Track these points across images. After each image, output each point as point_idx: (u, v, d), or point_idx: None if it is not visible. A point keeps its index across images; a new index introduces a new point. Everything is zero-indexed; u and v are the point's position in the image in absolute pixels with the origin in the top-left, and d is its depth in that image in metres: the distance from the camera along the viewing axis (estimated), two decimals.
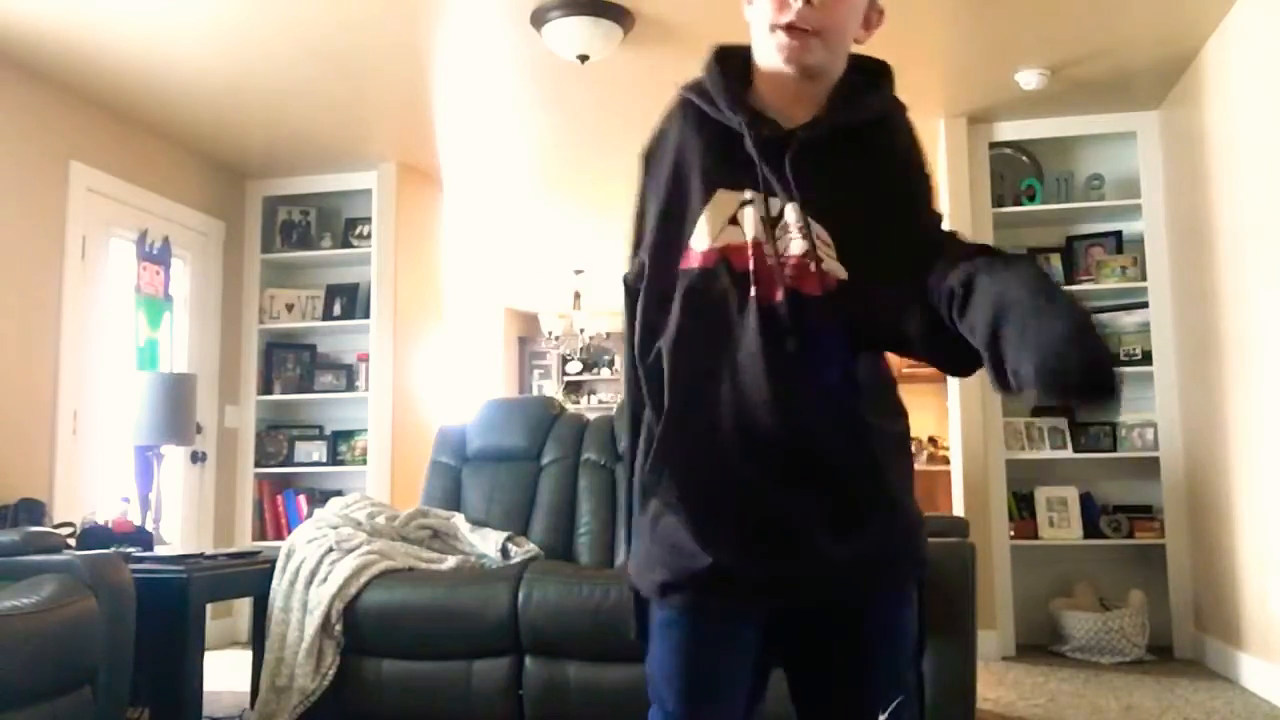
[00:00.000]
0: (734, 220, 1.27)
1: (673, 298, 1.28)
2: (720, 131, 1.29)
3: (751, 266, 1.25)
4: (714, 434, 1.26)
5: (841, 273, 1.25)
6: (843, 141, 1.28)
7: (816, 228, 1.25)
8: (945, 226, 1.37)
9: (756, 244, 1.26)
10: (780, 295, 1.24)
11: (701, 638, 1.29)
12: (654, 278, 1.31)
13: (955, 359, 1.24)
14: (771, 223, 1.26)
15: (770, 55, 1.28)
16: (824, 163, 1.27)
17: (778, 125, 1.28)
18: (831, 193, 1.26)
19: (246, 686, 3.58)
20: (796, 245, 1.25)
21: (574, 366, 10.65)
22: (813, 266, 1.24)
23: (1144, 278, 4.86)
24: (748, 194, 1.27)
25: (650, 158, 1.37)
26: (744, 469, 1.26)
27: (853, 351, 1.28)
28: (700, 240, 1.27)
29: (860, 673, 1.33)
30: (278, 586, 3.42)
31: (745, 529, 1.27)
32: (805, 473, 1.26)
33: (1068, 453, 4.90)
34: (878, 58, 1.36)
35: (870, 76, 1.35)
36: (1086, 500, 4.86)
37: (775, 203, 1.27)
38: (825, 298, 1.24)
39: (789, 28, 1.23)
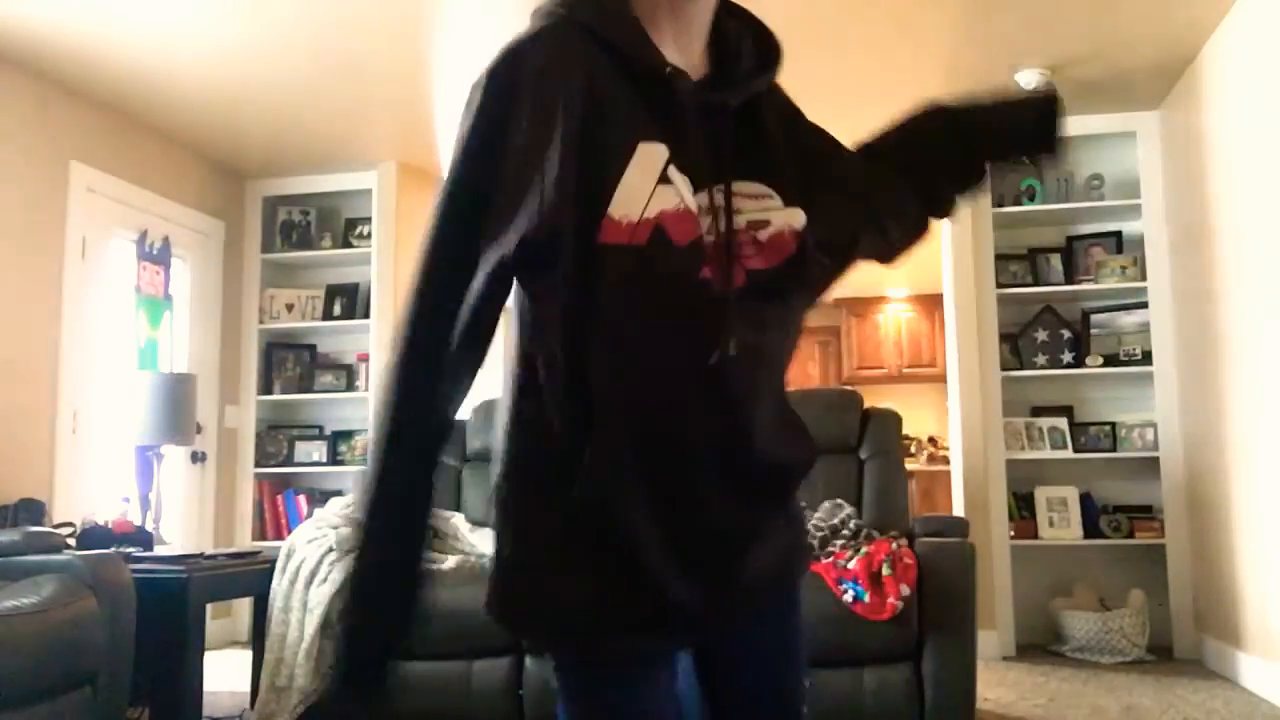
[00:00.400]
0: (664, 179, 1.01)
1: (589, 280, 1.00)
2: (630, 68, 1.04)
3: (700, 238, 1.02)
4: (676, 445, 1.04)
5: (799, 221, 1.10)
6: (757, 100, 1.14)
7: (761, 188, 1.08)
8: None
9: (700, 211, 1.03)
10: (741, 277, 1.05)
11: (652, 690, 1.09)
12: (571, 254, 1.00)
13: (907, 222, 1.27)
14: (711, 187, 1.05)
15: None
16: (752, 120, 1.13)
17: (683, 73, 1.07)
18: (768, 148, 1.12)
19: (246, 686, 3.58)
20: (750, 210, 1.07)
21: None
22: (764, 234, 1.07)
23: (1144, 278, 4.86)
24: (671, 152, 1.02)
25: (516, 89, 1.01)
26: (704, 482, 1.06)
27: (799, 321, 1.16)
28: (626, 207, 0.99)
29: (786, 662, 1.21)
30: (278, 586, 3.42)
31: (699, 550, 1.08)
32: (756, 483, 1.11)
33: (1068, 453, 4.90)
34: (753, 14, 1.20)
35: (743, 23, 1.18)
36: (1086, 500, 4.86)
37: (705, 167, 1.05)
38: (787, 263, 1.09)
39: None
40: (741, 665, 1.17)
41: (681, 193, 1.01)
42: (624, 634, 1.06)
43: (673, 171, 1.01)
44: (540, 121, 1.00)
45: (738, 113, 1.10)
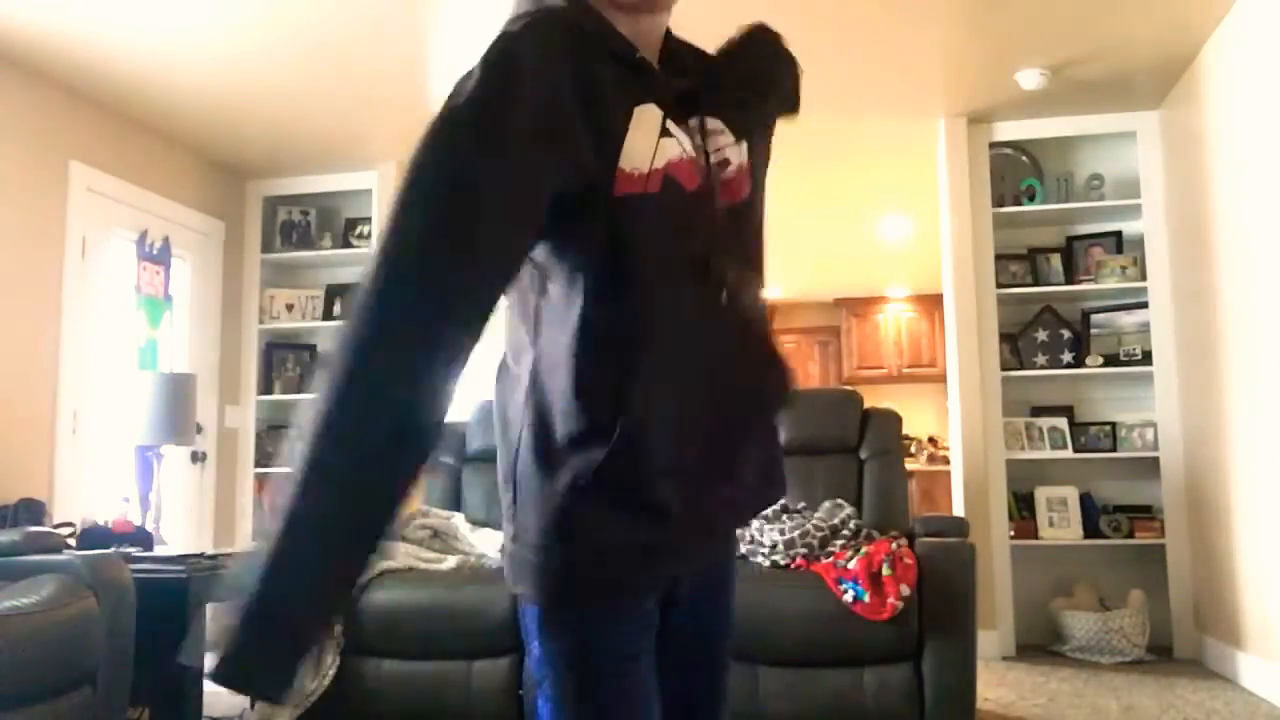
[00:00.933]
0: (665, 133, 1.10)
1: (617, 228, 1.06)
2: (616, 51, 1.13)
3: (704, 183, 1.13)
4: (703, 379, 1.13)
5: (744, 156, 1.21)
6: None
7: (718, 123, 1.19)
8: None
9: (701, 156, 1.14)
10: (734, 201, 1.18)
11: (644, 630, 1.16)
12: (601, 205, 1.07)
13: None
14: (702, 134, 1.16)
15: None
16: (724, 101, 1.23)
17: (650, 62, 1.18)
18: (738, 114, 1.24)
19: None
20: (731, 151, 1.19)
21: None
22: (728, 172, 1.18)
23: (1144, 278, 4.86)
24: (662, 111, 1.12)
25: (544, 62, 1.05)
26: (717, 419, 1.15)
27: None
28: (636, 160, 1.06)
29: (721, 632, 1.32)
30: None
31: (714, 493, 1.17)
32: (755, 418, 1.22)
33: (1068, 453, 4.91)
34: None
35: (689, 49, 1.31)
36: (1086, 500, 4.86)
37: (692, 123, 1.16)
38: (746, 201, 1.20)
39: None
40: (686, 636, 1.25)
41: (682, 144, 1.11)
42: (652, 570, 1.13)
43: (671, 125, 1.11)
44: (548, 96, 1.03)
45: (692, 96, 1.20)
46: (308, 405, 0.99)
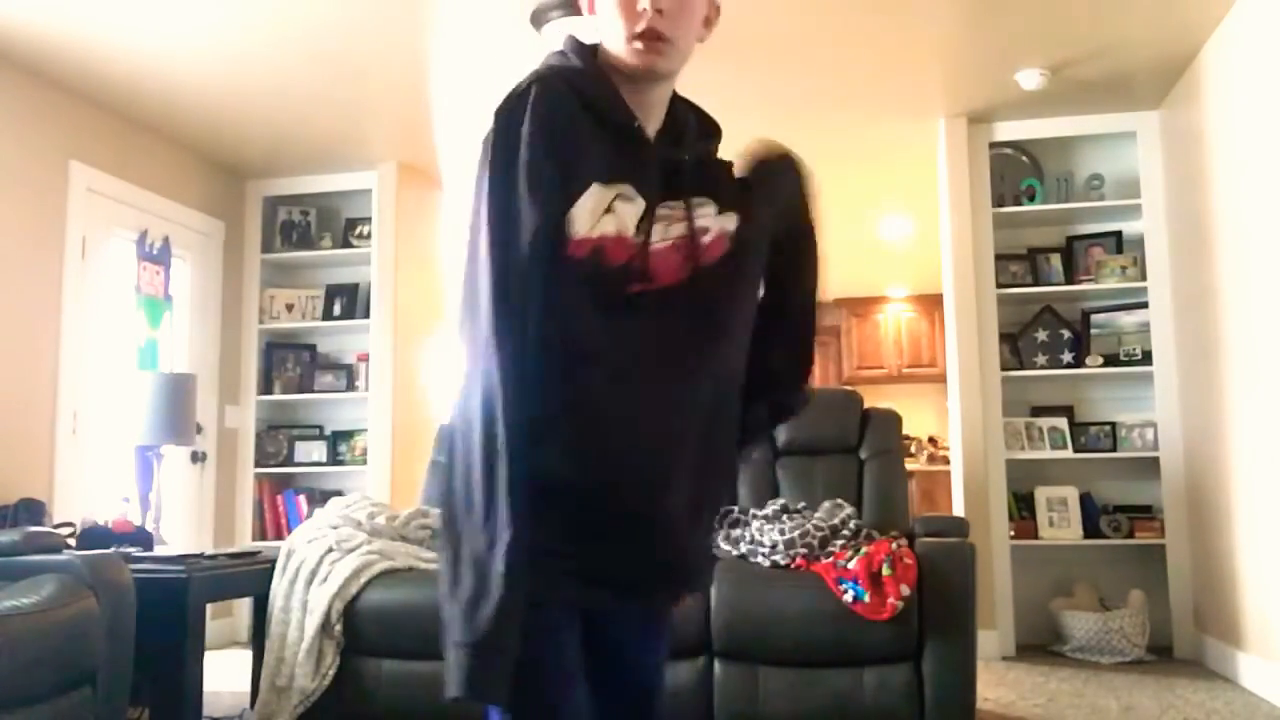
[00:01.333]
0: (608, 210, 1.25)
1: (553, 281, 1.22)
2: (602, 122, 1.29)
3: (630, 258, 1.25)
4: (627, 431, 1.25)
5: (732, 224, 1.33)
6: (703, 166, 1.39)
7: (703, 199, 1.32)
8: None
9: (635, 234, 1.26)
10: (686, 274, 1.28)
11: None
12: (549, 254, 1.23)
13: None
14: (651, 215, 1.28)
15: (625, 59, 1.31)
16: (696, 179, 1.36)
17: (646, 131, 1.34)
18: (714, 180, 1.37)
19: (246, 686, 3.59)
20: (678, 229, 1.29)
21: None
22: (708, 238, 1.30)
23: (1144, 278, 4.86)
24: (624, 189, 1.27)
25: (551, 118, 1.25)
26: (648, 465, 1.27)
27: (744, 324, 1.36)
28: (579, 226, 1.23)
29: (655, 662, 1.43)
30: (278, 586, 3.42)
31: (641, 525, 1.28)
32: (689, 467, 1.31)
33: (1068, 453, 4.90)
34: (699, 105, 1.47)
35: (694, 112, 1.44)
36: (1086, 500, 4.86)
37: (652, 201, 1.30)
38: (723, 260, 1.31)
39: (644, 36, 1.29)
40: (623, 660, 1.37)
41: (622, 223, 1.25)
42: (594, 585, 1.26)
43: (618, 204, 1.25)
44: (544, 153, 1.23)
45: (686, 167, 1.35)
46: None
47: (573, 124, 1.26)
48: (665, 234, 1.28)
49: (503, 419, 1.14)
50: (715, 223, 1.32)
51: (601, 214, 1.24)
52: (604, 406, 1.24)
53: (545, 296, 1.20)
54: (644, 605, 1.36)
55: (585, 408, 1.23)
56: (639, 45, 1.29)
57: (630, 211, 1.26)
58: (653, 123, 1.35)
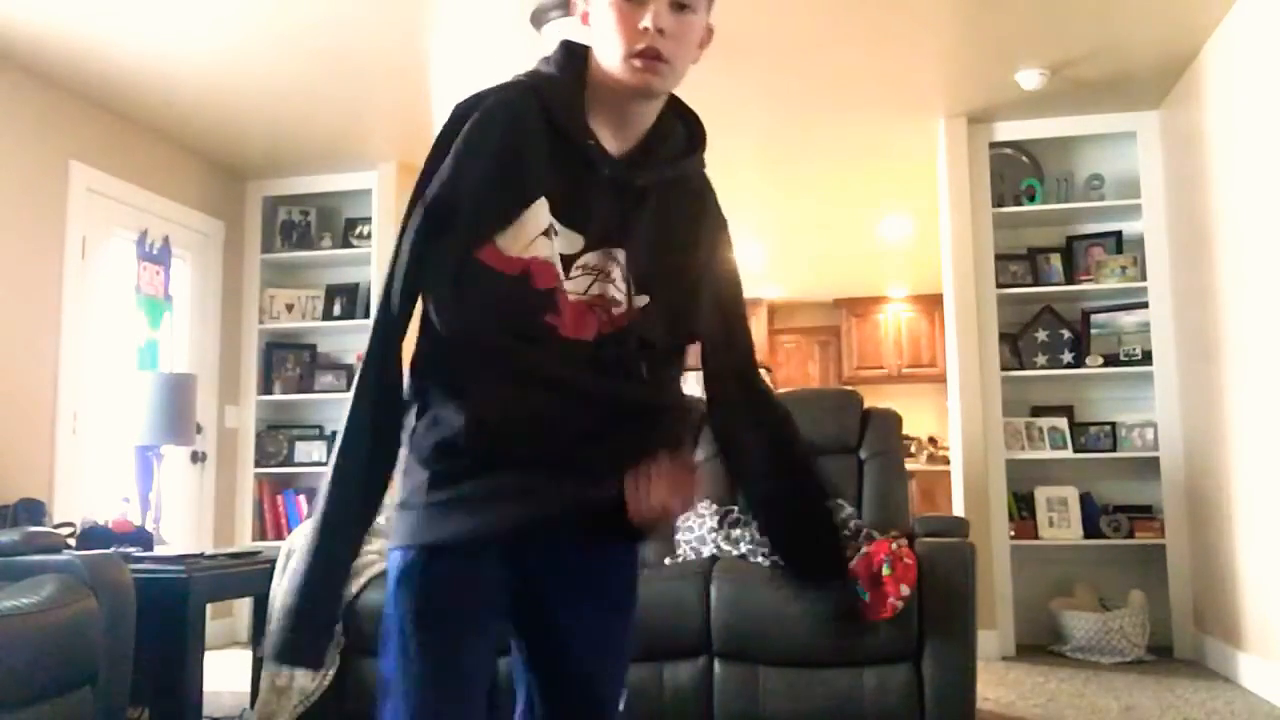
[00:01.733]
0: (546, 233, 1.27)
1: (465, 282, 1.26)
2: (558, 140, 1.30)
3: (555, 286, 1.27)
4: (526, 426, 1.28)
5: (641, 304, 1.33)
6: (670, 188, 1.37)
7: (622, 269, 1.32)
8: (753, 344, 1.53)
9: (560, 268, 1.28)
10: (592, 332, 1.29)
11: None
12: (458, 254, 1.27)
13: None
14: (589, 262, 1.30)
15: (619, 76, 1.30)
16: (652, 205, 1.35)
17: (605, 150, 1.32)
18: (655, 234, 1.35)
19: (246, 686, 3.58)
20: (595, 289, 1.30)
21: None
22: (617, 310, 1.31)
23: (1144, 278, 4.86)
24: (557, 224, 1.28)
25: (485, 125, 1.29)
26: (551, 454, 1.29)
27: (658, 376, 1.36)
28: (511, 242, 1.26)
29: (613, 631, 1.42)
30: (278, 586, 3.42)
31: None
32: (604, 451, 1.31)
33: (1068, 453, 4.90)
34: (693, 111, 1.44)
35: (684, 121, 1.42)
36: (1086, 500, 4.86)
37: (594, 247, 1.30)
38: (628, 329, 1.31)
39: (643, 55, 1.28)
40: (569, 640, 1.37)
41: (554, 249, 1.27)
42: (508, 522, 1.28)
43: (556, 228, 1.27)
44: (486, 159, 1.27)
45: (645, 191, 1.34)
46: None
47: (525, 138, 1.28)
48: (580, 288, 1.29)
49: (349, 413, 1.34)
50: (625, 299, 1.31)
51: (537, 236, 1.26)
52: (492, 393, 1.26)
53: (460, 297, 1.26)
54: (544, 511, 1.28)
55: (473, 393, 1.26)
56: (637, 64, 1.28)
57: (555, 247, 1.27)
58: (628, 139, 1.34)
